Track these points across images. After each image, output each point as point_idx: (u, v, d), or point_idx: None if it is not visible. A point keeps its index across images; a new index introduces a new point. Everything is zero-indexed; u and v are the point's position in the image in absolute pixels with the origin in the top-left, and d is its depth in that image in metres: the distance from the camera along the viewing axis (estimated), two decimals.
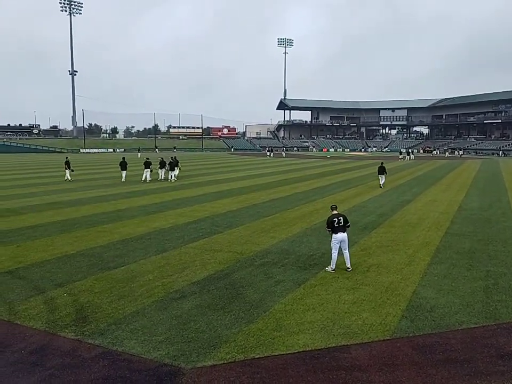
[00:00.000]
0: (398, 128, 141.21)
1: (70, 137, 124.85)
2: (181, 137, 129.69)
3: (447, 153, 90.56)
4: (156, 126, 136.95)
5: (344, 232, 10.22)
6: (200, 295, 8.74)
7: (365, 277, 9.97)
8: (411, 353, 6.51)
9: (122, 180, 31.28)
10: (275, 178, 35.51)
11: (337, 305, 8.28)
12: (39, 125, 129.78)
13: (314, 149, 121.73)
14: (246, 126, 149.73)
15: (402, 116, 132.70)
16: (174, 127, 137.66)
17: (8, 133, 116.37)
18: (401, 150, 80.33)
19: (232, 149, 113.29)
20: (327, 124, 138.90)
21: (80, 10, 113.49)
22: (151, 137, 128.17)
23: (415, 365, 6.18)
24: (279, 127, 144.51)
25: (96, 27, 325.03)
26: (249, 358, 6.29)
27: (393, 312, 7.98)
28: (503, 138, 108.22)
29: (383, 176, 28.45)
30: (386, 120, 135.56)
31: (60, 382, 5.66)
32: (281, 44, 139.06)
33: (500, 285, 9.51)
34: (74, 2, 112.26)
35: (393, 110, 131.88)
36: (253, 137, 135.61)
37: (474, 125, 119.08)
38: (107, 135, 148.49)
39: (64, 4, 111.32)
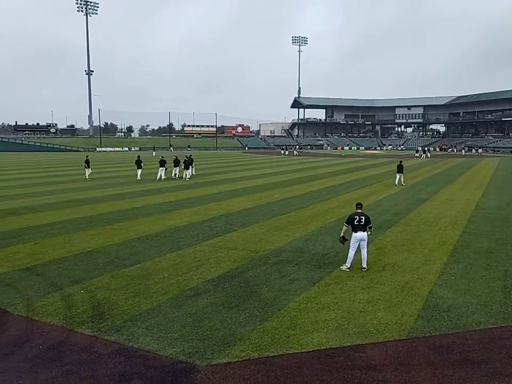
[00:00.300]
0: (414, 126, 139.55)
1: (87, 136, 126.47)
2: (195, 136, 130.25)
3: (463, 151, 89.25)
4: (170, 125, 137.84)
5: (364, 232, 10.13)
6: (215, 293, 8.77)
7: (380, 276, 9.89)
8: (427, 354, 6.43)
9: (137, 178, 31.59)
10: (289, 176, 35.44)
11: (352, 304, 8.23)
12: (56, 124, 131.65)
13: (328, 147, 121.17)
14: (260, 124, 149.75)
15: (418, 114, 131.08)
16: (189, 126, 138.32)
17: (26, 132, 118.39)
18: (417, 148, 79.48)
19: (246, 148, 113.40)
20: (342, 122, 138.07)
21: (96, 10, 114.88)
22: (166, 135, 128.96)
23: (431, 365, 6.11)
24: (293, 125, 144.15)
25: (112, 27, 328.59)
26: (263, 356, 6.29)
27: (409, 311, 7.90)
28: None
29: (402, 174, 28.32)
30: (402, 118, 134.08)
31: (77, 378, 5.74)
32: (295, 42, 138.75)
33: None
34: (90, 2, 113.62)
35: (409, 107, 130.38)
36: (267, 136, 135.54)
37: (492, 122, 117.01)
38: (122, 134, 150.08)
39: (80, 4, 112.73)
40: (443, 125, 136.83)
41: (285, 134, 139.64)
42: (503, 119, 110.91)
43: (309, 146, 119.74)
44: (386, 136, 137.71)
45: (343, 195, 23.69)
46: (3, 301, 8.29)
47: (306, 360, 6.21)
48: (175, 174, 33.23)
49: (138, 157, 33.21)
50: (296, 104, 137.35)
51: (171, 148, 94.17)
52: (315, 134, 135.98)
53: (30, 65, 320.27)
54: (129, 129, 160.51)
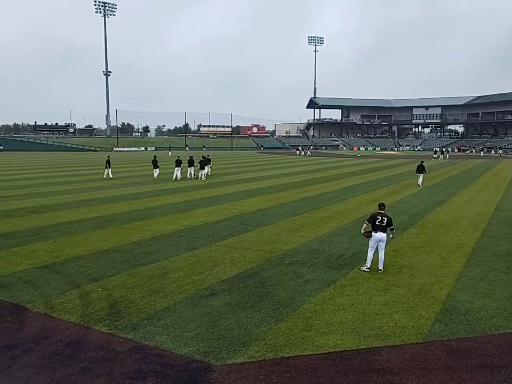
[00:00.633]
0: (432, 127, 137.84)
1: (104, 136, 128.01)
2: (211, 136, 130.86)
3: (482, 152, 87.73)
4: (186, 125, 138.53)
5: (384, 233, 10.05)
6: (230, 293, 8.79)
7: (397, 278, 9.78)
8: (445, 357, 6.34)
9: (154, 177, 31.89)
10: (304, 177, 35.32)
11: (368, 306, 8.15)
12: (74, 124, 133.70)
13: (344, 148, 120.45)
14: (275, 124, 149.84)
15: (436, 114, 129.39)
16: (204, 126, 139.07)
17: (45, 132, 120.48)
18: (435, 149, 78.41)
19: (262, 148, 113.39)
20: (358, 123, 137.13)
21: (114, 12, 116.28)
22: (182, 135, 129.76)
23: (449, 369, 6.02)
24: (308, 125, 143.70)
25: (129, 27, 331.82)
26: (278, 357, 6.27)
27: (426, 314, 7.79)
28: None
29: (422, 175, 28.11)
30: (419, 119, 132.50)
31: (94, 375, 5.81)
32: (311, 42, 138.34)
33: None
34: (108, 4, 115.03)
35: (426, 107, 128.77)
36: (282, 136, 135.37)
37: None
38: (139, 134, 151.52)
39: (98, 6, 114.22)
40: (461, 125, 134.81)
41: (301, 134, 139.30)
42: None
43: (323, 147, 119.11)
44: (403, 137, 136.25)
45: (359, 196, 23.50)
46: (22, 298, 8.44)
47: (321, 362, 6.17)
48: (191, 174, 33.41)
49: (155, 156, 33.52)
50: (312, 104, 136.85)
51: (187, 148, 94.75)
52: (331, 135, 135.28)
53: (49, 66, 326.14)
54: (146, 129, 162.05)
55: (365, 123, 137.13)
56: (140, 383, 5.62)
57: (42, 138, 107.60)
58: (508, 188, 27.87)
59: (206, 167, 33.11)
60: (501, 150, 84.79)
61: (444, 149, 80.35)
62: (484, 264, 10.90)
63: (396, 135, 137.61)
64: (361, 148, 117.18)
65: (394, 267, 10.61)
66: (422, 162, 28.93)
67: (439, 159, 65.77)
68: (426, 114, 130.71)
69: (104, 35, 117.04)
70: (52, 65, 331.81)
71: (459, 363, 6.18)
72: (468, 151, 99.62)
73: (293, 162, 57.25)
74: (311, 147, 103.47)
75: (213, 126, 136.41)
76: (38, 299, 8.41)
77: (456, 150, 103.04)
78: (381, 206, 10.48)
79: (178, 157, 33.05)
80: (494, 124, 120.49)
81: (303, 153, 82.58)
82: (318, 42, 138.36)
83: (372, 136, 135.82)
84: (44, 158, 64.51)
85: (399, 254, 11.75)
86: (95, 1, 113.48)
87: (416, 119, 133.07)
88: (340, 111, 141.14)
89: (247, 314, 7.74)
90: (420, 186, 27.58)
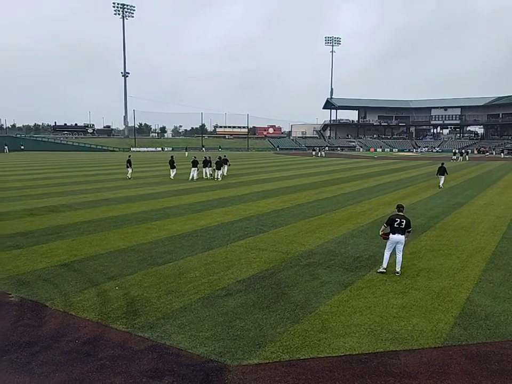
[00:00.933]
0: (451, 128, 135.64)
1: (122, 137, 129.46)
2: (227, 137, 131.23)
3: (502, 154, 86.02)
4: (202, 126, 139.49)
5: (402, 235, 9.95)
6: (246, 294, 8.79)
7: (415, 281, 9.65)
8: (464, 362, 6.23)
9: (171, 177, 32.13)
10: (320, 178, 35.15)
11: (385, 309, 8.07)
12: (93, 125, 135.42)
13: (361, 149, 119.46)
14: (291, 125, 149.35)
15: (455, 115, 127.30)
16: (221, 127, 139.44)
17: (65, 132, 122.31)
18: (455, 151, 77.18)
19: (278, 148, 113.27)
20: (375, 124, 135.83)
21: (132, 13, 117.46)
22: (198, 136, 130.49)
23: (468, 374, 5.92)
24: (325, 126, 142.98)
25: (147, 29, 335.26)
26: (294, 359, 6.25)
27: (445, 318, 7.67)
28: None
29: (443, 176, 28.04)
30: (438, 119, 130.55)
31: (111, 373, 5.87)
32: (328, 43, 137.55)
33: None
34: (127, 6, 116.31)
35: (445, 108, 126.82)
36: (298, 137, 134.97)
37: None
38: (156, 134, 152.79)
39: (117, 8, 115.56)
40: (481, 126, 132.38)
41: (317, 135, 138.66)
42: None
43: (338, 148, 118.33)
44: (421, 138, 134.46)
45: (376, 198, 23.29)
46: (42, 296, 8.58)
47: (338, 364, 6.13)
48: (206, 174, 33.54)
49: (172, 157, 33.77)
50: (329, 105, 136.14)
51: (203, 149, 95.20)
52: (347, 135, 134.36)
53: (69, 68, 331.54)
54: (163, 129, 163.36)
55: (382, 124, 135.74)
56: (157, 382, 5.67)
57: (62, 139, 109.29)
58: None
59: (222, 168, 33.23)
60: None
61: (463, 151, 79.06)
62: (504, 268, 10.69)
63: (414, 136, 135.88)
64: (377, 149, 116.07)
65: (412, 270, 10.48)
66: (443, 164, 28.89)
67: (458, 160, 64.75)
68: (445, 115, 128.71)
69: (122, 36, 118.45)
70: (72, 66, 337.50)
71: (478, 368, 6.07)
72: (488, 153, 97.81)
73: (309, 163, 57.04)
74: (326, 148, 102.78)
75: (229, 127, 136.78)
76: (57, 297, 8.55)
77: (475, 152, 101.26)
78: (400, 207, 10.36)
79: (195, 157, 33.25)
80: None
81: (319, 154, 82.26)
82: (335, 43, 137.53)
83: (389, 137, 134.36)
84: (63, 158, 65.57)
85: (416, 257, 11.61)
86: (114, 3, 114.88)
87: (435, 120, 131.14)
88: (356, 111, 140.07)
89: (263, 315, 7.73)
90: (440, 187, 27.34)
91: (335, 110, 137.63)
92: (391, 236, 10.00)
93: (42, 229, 14.68)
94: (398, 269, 10.11)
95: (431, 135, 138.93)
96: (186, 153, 75.80)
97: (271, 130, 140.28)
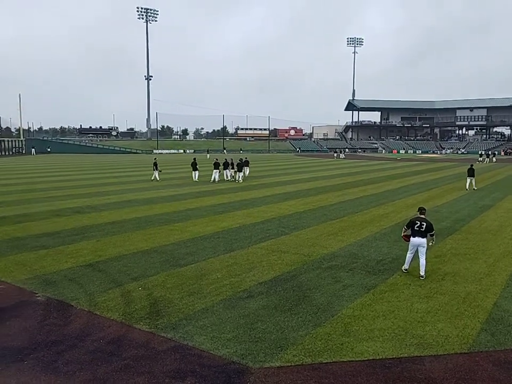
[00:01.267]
0: (476, 129, 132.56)
1: (144, 139, 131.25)
2: (248, 139, 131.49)
3: None
4: (224, 128, 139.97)
5: (423, 238, 9.79)
6: (267, 296, 8.78)
7: (440, 286, 9.46)
8: (491, 369, 6.07)
9: (194, 179, 32.38)
10: (343, 180, 34.86)
11: (410, 314, 7.92)
12: (117, 127, 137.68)
13: (383, 151, 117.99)
14: (312, 127, 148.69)
15: (482, 116, 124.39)
16: (242, 129, 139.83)
17: (90, 135, 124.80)
18: (481, 152, 75.44)
19: (299, 150, 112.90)
20: (398, 125, 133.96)
21: (155, 18, 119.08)
22: (220, 138, 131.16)
23: (495, 381, 5.76)
24: (346, 128, 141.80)
25: (170, 32, 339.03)
26: (316, 362, 6.20)
27: (471, 324, 7.49)
28: None
29: (473, 178, 27.90)
30: (463, 120, 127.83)
31: (135, 373, 5.94)
32: (350, 44, 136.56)
33: None
34: (150, 10, 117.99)
35: (471, 109, 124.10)
36: (320, 139, 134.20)
37: None
38: (178, 136, 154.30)
39: (140, 12, 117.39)
40: (508, 127, 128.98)
41: (339, 137, 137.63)
42: None
43: (359, 150, 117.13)
44: (445, 139, 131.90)
45: (399, 200, 22.95)
46: (67, 295, 8.76)
47: (361, 369, 6.05)
48: (227, 176, 33.66)
49: (194, 159, 34.02)
50: (351, 106, 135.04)
51: (225, 151, 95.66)
52: (369, 137, 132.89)
53: (95, 72, 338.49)
54: (185, 132, 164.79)
55: (405, 125, 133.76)
56: (179, 383, 5.70)
57: (87, 141, 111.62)
58: None
59: (243, 169, 33.31)
60: None
61: (489, 152, 77.20)
62: None
63: (438, 137, 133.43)
64: (401, 151, 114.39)
65: (437, 274, 10.27)
66: (472, 165, 28.77)
67: (485, 162, 63.26)
68: (471, 116, 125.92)
69: (146, 40, 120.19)
70: (98, 70, 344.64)
71: (506, 375, 5.90)
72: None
73: (331, 165, 56.65)
74: (346, 149, 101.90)
75: (251, 129, 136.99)
76: (82, 296, 8.71)
77: (502, 153, 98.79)
78: (422, 210, 10.20)
79: (217, 159, 33.41)
80: None
81: (340, 155, 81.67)
82: (357, 44, 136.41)
83: (412, 138, 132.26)
84: (88, 160, 66.87)
85: (442, 261, 11.37)
86: (138, 8, 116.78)
87: (460, 120, 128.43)
88: (379, 113, 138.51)
89: (285, 318, 7.70)
90: (467, 189, 27.05)
91: (357, 112, 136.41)
92: (411, 238, 9.86)
93: (68, 230, 15.00)
94: (422, 272, 9.93)
95: (456, 136, 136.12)
96: (208, 155, 76.28)
97: (292, 132, 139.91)
